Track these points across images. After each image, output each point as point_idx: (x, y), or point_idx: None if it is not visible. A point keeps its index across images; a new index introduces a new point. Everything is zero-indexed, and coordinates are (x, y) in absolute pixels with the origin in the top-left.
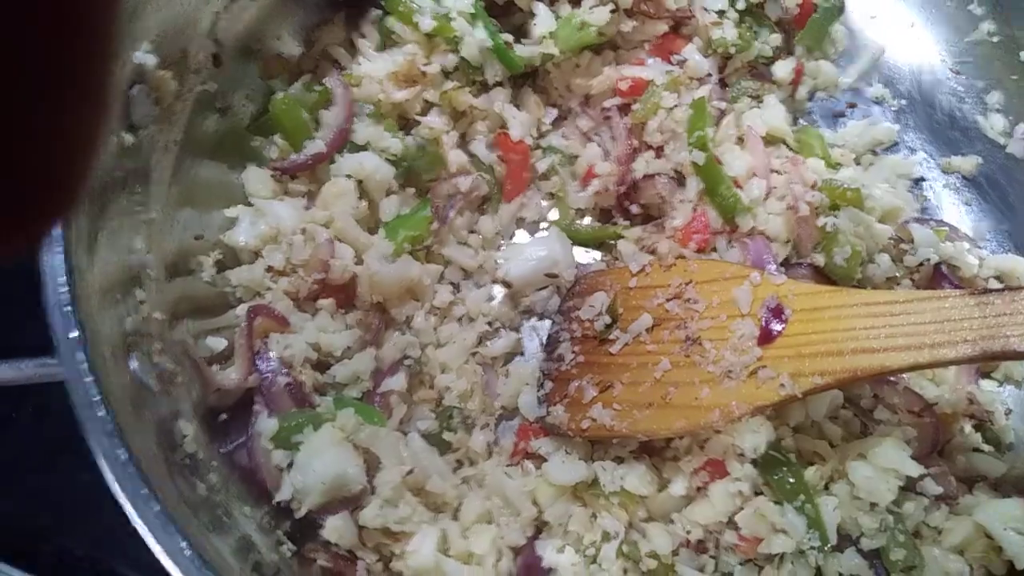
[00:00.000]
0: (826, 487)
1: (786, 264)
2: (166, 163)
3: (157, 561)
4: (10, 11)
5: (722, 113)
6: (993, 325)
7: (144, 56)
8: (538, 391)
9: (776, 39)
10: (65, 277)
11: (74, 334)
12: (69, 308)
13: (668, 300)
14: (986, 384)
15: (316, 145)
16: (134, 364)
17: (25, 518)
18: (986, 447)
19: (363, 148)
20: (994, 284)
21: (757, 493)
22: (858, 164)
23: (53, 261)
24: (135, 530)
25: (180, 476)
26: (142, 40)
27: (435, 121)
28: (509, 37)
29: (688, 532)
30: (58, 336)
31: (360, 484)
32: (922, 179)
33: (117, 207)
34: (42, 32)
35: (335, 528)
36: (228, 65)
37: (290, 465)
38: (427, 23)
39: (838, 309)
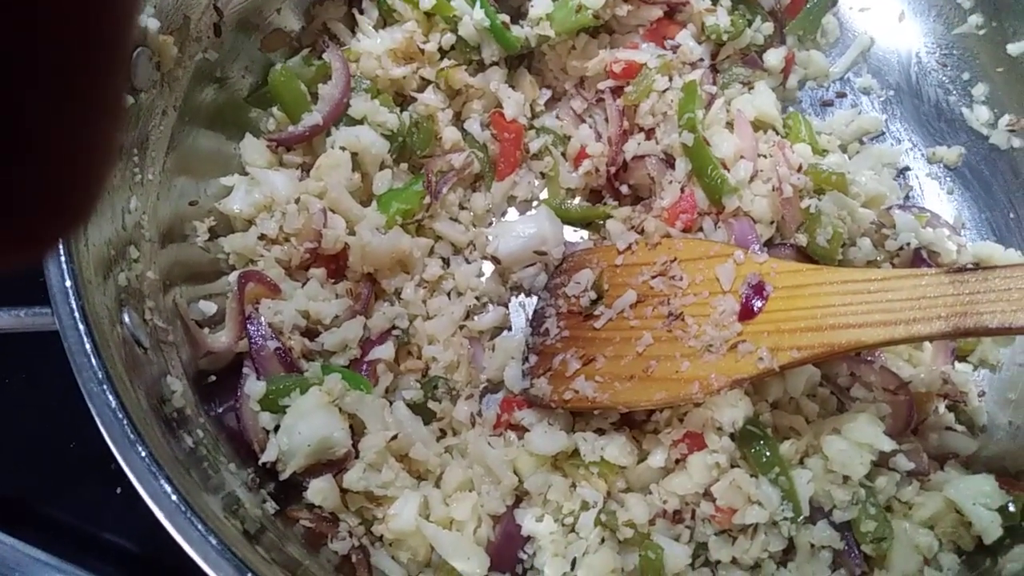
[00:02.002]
0: (801, 461)
1: (770, 244)
2: (164, 129)
3: (142, 527)
4: (26, 24)
5: (713, 98)
6: (967, 303)
7: (147, 20)
8: (523, 364)
9: (768, 28)
10: None
11: (68, 283)
12: (64, 259)
13: (653, 277)
14: (961, 367)
15: (313, 118)
16: (127, 318)
17: (11, 483)
18: (959, 427)
19: (359, 122)
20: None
21: (734, 466)
22: (845, 152)
23: None
24: (121, 496)
25: (168, 429)
26: (146, 3)
27: (431, 98)
28: (506, 18)
29: (665, 502)
30: (53, 285)
31: (344, 448)
32: (907, 168)
33: (115, 169)
34: (58, 45)
35: (319, 490)
36: (228, 36)
37: (277, 428)
38: (427, 1)
39: (818, 286)
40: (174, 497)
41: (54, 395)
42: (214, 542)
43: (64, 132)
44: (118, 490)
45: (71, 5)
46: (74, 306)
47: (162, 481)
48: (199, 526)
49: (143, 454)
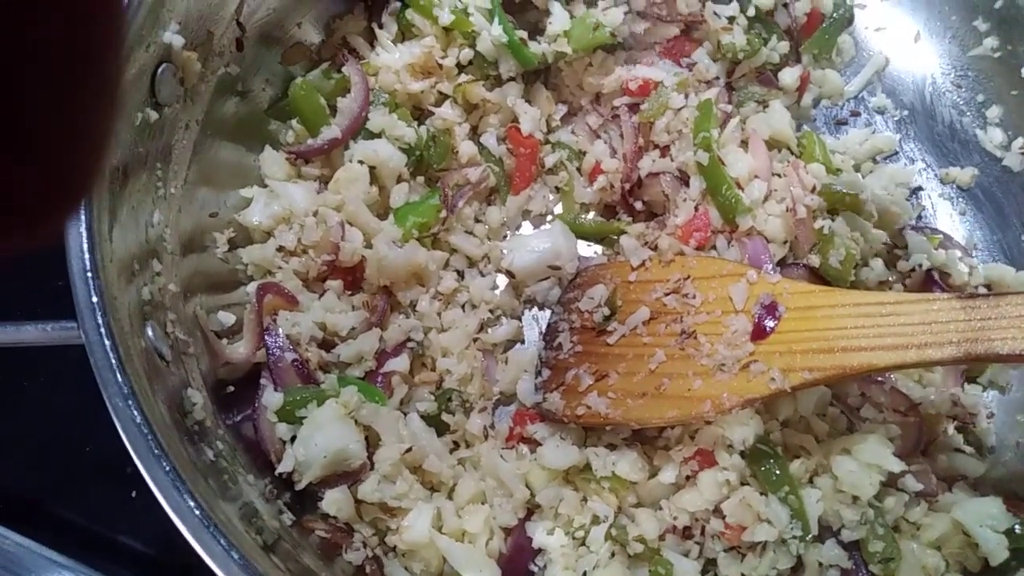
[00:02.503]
0: (810, 480)
1: (782, 264)
2: (187, 142)
3: (156, 530)
4: (22, 8)
5: (728, 116)
6: (978, 328)
7: (172, 36)
8: (536, 378)
9: (784, 47)
10: (87, 246)
11: (95, 299)
12: (90, 275)
13: (666, 295)
14: (971, 388)
15: (332, 131)
16: (149, 332)
17: (28, 486)
18: (968, 448)
19: (377, 136)
20: (983, 291)
21: (744, 483)
22: (858, 171)
23: (77, 231)
24: (137, 501)
25: (189, 441)
26: (171, 21)
27: (448, 113)
28: (524, 34)
29: (675, 518)
30: (80, 301)
31: (360, 460)
32: (920, 188)
33: (139, 183)
34: (54, 28)
35: (334, 501)
36: (250, 50)
37: (293, 438)
38: (446, 17)
39: (830, 308)
40: (197, 512)
41: (72, 399)
42: (236, 556)
43: (60, 118)
44: (133, 493)
45: None
46: (100, 322)
47: (186, 496)
48: (222, 541)
49: (167, 468)
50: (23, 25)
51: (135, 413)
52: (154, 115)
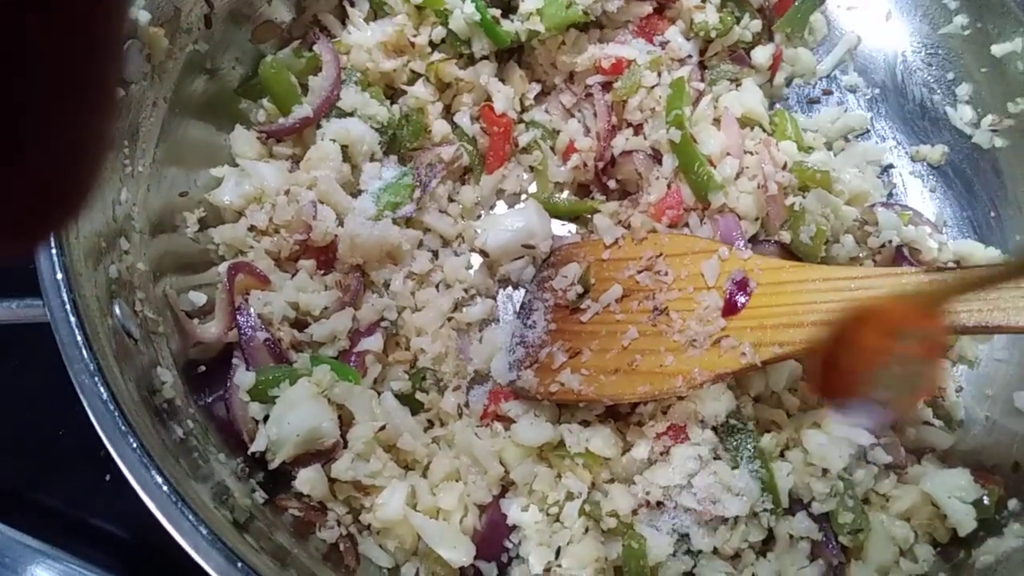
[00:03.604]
0: (781, 454)
1: (754, 241)
2: (154, 120)
3: (132, 514)
4: (21, 15)
5: (700, 94)
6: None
7: (138, 12)
8: (510, 356)
9: (756, 25)
10: None
11: (59, 276)
12: (55, 251)
13: (639, 272)
14: None
15: (303, 110)
16: (117, 310)
17: (1, 472)
18: (937, 422)
19: (349, 114)
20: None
21: (716, 458)
22: (830, 149)
23: None
24: (111, 483)
25: (158, 420)
26: None
27: (421, 91)
28: (497, 12)
29: (648, 493)
30: (45, 277)
31: (333, 438)
32: (891, 166)
33: (106, 163)
34: (52, 36)
35: (307, 479)
36: (219, 27)
37: (266, 418)
38: None
39: (800, 283)
40: (165, 488)
41: (43, 383)
42: (204, 532)
43: (57, 127)
44: (107, 477)
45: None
46: (65, 299)
47: (153, 472)
48: (190, 516)
49: (134, 445)
50: (22, 30)
51: (101, 390)
52: (120, 92)
